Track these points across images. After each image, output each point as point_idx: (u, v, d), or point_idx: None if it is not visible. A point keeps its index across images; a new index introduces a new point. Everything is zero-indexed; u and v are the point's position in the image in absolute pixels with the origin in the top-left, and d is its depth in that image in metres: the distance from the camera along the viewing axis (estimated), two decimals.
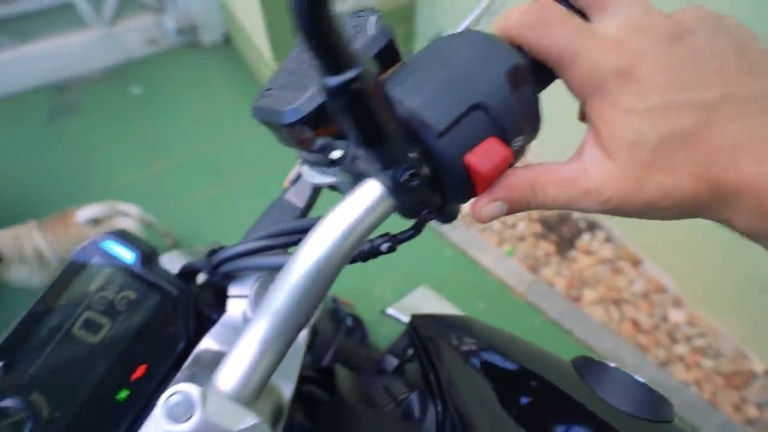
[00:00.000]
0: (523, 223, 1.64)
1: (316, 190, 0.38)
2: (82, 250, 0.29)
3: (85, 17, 2.27)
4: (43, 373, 0.26)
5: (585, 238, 1.58)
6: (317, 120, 0.21)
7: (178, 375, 0.26)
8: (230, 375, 0.19)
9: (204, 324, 0.32)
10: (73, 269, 0.28)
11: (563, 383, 0.32)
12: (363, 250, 0.24)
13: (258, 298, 0.32)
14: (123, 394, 0.27)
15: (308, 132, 0.22)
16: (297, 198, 0.37)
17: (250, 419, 0.19)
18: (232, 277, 0.33)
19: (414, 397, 0.35)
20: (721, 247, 1.20)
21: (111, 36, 2.39)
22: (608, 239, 1.58)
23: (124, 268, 0.29)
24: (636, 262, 1.50)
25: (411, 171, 0.19)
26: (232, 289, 0.33)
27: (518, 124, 0.21)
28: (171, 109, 2.20)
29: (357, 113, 0.16)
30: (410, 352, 0.47)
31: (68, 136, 2.11)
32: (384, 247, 0.24)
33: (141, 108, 2.22)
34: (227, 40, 2.56)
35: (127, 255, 0.29)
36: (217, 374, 0.20)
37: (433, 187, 0.21)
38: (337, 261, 0.20)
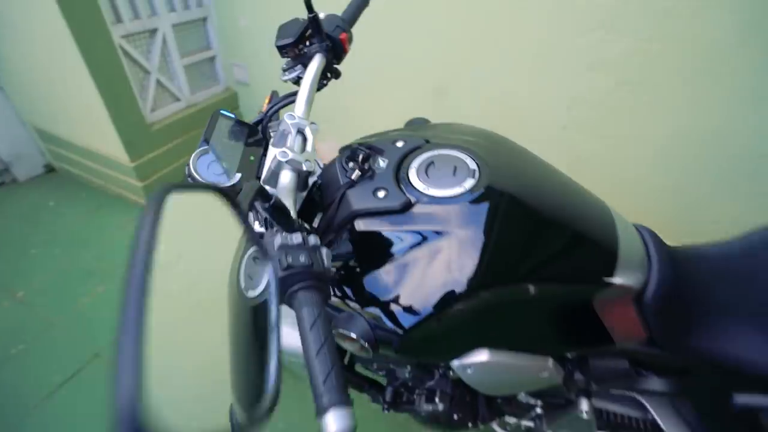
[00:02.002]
0: None
1: None
2: (216, 110, 0.69)
3: None
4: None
5: None
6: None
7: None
8: None
9: None
10: (215, 118, 0.68)
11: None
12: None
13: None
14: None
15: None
16: None
17: None
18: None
19: None
20: None
21: None
22: None
23: (232, 119, 0.70)
24: None
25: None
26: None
27: None
28: (14, 241, 2.05)
29: None
30: None
31: None
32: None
33: None
34: (50, 170, 2.54)
35: (231, 115, 0.71)
36: None
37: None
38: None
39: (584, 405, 0.82)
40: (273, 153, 0.58)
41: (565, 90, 1.53)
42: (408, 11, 1.68)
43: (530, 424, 0.99)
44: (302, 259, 0.40)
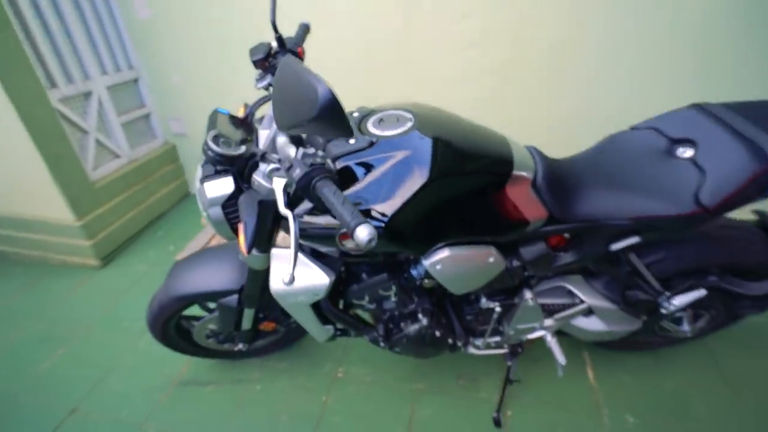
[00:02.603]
0: None
1: None
2: (214, 109, 0.87)
3: None
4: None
5: None
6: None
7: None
8: None
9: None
10: (213, 114, 0.86)
11: None
12: None
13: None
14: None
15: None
16: None
17: None
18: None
19: None
20: None
21: None
22: None
23: (227, 114, 0.88)
24: None
25: None
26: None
27: None
28: None
29: None
30: None
31: None
32: None
33: None
34: None
35: (225, 111, 0.89)
36: None
37: None
38: None
39: (528, 294, 1.09)
40: (265, 132, 0.81)
41: (469, 92, 1.95)
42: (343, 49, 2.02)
43: (497, 338, 1.22)
44: (318, 161, 0.62)
